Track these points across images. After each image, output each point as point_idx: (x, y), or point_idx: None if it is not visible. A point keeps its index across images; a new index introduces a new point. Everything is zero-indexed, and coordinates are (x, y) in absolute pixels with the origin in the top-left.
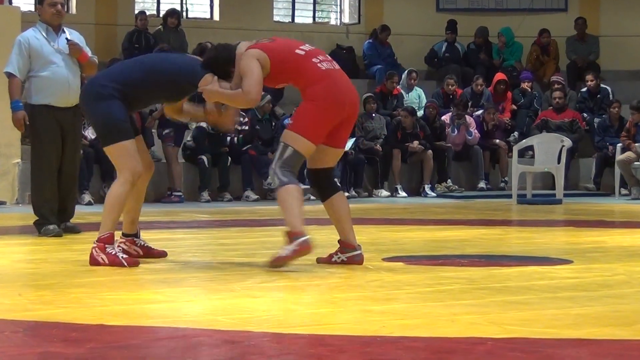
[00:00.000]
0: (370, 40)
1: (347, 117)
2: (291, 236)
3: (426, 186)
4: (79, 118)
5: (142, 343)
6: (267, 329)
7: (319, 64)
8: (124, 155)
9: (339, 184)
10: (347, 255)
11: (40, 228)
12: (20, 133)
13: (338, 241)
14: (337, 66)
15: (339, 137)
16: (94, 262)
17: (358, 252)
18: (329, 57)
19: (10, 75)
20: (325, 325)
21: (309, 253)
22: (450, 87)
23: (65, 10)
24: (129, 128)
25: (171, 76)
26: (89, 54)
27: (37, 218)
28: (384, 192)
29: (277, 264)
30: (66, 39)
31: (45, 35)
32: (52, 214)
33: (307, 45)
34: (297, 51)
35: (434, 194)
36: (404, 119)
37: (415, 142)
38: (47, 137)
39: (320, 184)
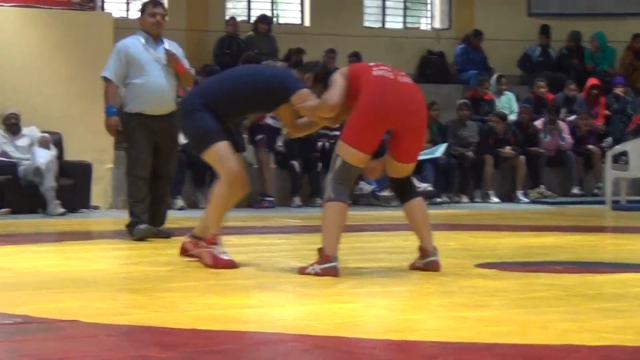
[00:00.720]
0: (463, 45)
1: (406, 129)
2: (322, 257)
3: (518, 192)
4: (174, 125)
5: (234, 348)
6: (359, 334)
7: (374, 71)
8: (218, 157)
9: (417, 190)
10: (424, 261)
11: (132, 229)
12: (114, 139)
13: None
14: (401, 78)
15: (401, 150)
16: (204, 262)
17: (431, 258)
18: (401, 72)
19: (106, 80)
20: (417, 331)
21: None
22: (540, 89)
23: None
24: (218, 132)
25: (261, 88)
26: (186, 65)
27: (129, 221)
28: (465, 199)
29: (300, 273)
30: (164, 48)
31: (144, 43)
32: (145, 214)
33: (387, 66)
34: (370, 64)
35: (526, 200)
36: (495, 125)
37: (507, 148)
38: (140, 142)
39: (398, 191)
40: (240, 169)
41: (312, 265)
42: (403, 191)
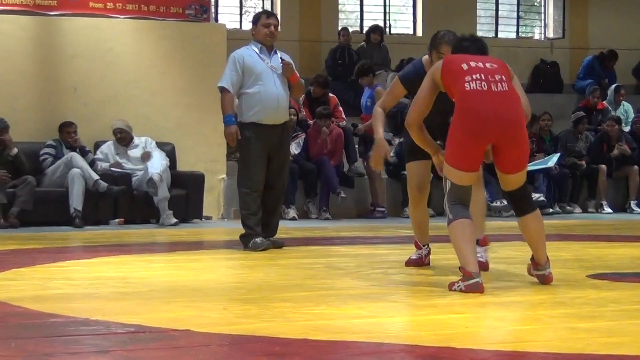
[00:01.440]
0: (592, 59)
1: (504, 140)
2: (464, 274)
3: (632, 202)
4: (287, 135)
5: (344, 358)
6: (470, 345)
7: (466, 84)
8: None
9: (533, 203)
10: (536, 273)
11: (247, 241)
12: (226, 149)
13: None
14: (495, 86)
15: (504, 161)
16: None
17: (542, 272)
18: (496, 77)
19: (223, 90)
20: (529, 342)
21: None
22: None
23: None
24: (414, 151)
25: None
26: (298, 76)
27: (243, 232)
28: (577, 209)
29: (449, 289)
30: (280, 58)
31: (258, 53)
32: (258, 226)
33: (486, 64)
34: (463, 65)
35: (639, 211)
36: (610, 128)
37: (620, 145)
38: (254, 153)
39: (513, 204)
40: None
41: (457, 282)
42: (518, 204)
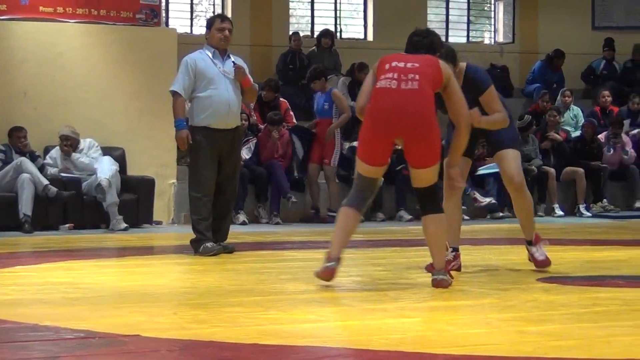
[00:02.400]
0: (542, 63)
1: (408, 135)
2: (325, 257)
3: (581, 206)
4: (239, 140)
5: None
6: (421, 349)
7: (379, 82)
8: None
9: (438, 207)
10: (432, 277)
11: (197, 246)
12: (176, 154)
13: None
14: (405, 85)
15: (408, 154)
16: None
17: (434, 277)
18: (409, 75)
19: (175, 94)
20: (479, 345)
21: (327, 280)
22: (603, 98)
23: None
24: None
25: None
26: (251, 81)
27: (193, 236)
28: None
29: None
30: (233, 62)
31: (211, 57)
32: (209, 231)
33: (408, 63)
34: (386, 65)
35: (589, 214)
36: (552, 119)
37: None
38: (205, 158)
39: (418, 201)
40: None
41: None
42: (422, 203)
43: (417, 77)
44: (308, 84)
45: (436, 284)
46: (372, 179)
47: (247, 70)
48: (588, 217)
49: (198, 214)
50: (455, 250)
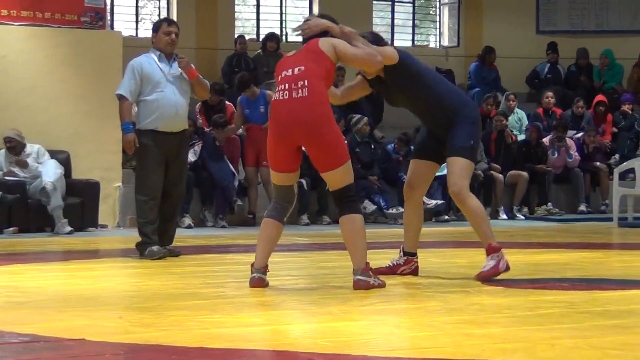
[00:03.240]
0: (476, 63)
1: (304, 142)
2: (251, 268)
3: (514, 208)
4: (185, 143)
5: None
6: (366, 352)
7: (275, 94)
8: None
9: (352, 208)
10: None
11: (143, 249)
12: (122, 157)
13: None
14: (297, 93)
15: (312, 160)
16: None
17: (354, 278)
18: (299, 83)
19: (121, 98)
20: (425, 348)
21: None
22: (546, 99)
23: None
24: (417, 149)
25: None
26: (197, 73)
27: (139, 240)
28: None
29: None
30: (176, 54)
31: (157, 61)
32: (155, 234)
33: (295, 68)
34: (279, 77)
35: (522, 217)
36: (499, 123)
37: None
38: (152, 161)
39: (335, 204)
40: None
41: None
42: (337, 205)
43: (305, 82)
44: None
45: (355, 285)
46: (286, 187)
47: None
48: (521, 220)
49: (144, 217)
50: (410, 255)
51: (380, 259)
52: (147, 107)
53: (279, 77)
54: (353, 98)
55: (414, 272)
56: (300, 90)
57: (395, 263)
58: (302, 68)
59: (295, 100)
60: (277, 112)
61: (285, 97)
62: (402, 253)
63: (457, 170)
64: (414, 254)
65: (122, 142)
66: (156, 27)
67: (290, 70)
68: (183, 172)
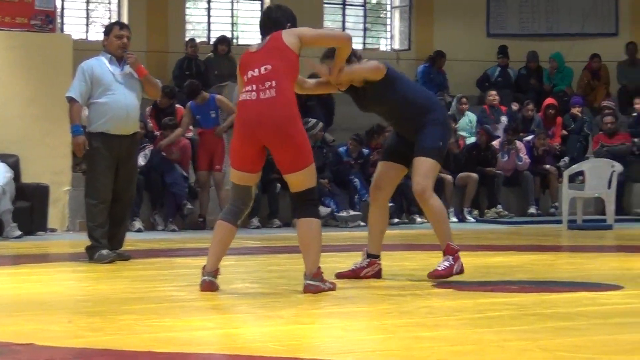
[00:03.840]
0: (425, 66)
1: (268, 143)
2: (202, 271)
3: (465, 210)
4: (136, 146)
5: None
6: (317, 355)
7: (242, 94)
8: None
9: (309, 212)
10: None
11: (92, 253)
12: (71, 160)
13: None
14: (264, 94)
15: (275, 161)
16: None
17: (305, 282)
18: (266, 84)
19: (71, 100)
20: (375, 351)
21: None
22: (490, 97)
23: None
24: (386, 152)
25: None
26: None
27: (89, 243)
28: (424, 219)
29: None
30: (127, 56)
31: (108, 64)
32: (104, 238)
33: (262, 67)
34: (245, 76)
35: (472, 220)
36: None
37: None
38: (102, 164)
39: (293, 205)
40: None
41: None
42: (295, 207)
43: (273, 83)
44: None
45: (305, 289)
46: (245, 187)
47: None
48: (472, 222)
49: (94, 220)
50: (373, 257)
51: (331, 262)
52: (97, 109)
53: (245, 76)
54: (319, 92)
55: (377, 274)
56: (267, 91)
57: (358, 266)
58: (269, 67)
59: (263, 100)
60: (244, 112)
61: (253, 98)
62: (365, 255)
63: (423, 171)
64: (377, 256)
65: (71, 145)
66: (108, 30)
67: (257, 70)
68: (133, 175)
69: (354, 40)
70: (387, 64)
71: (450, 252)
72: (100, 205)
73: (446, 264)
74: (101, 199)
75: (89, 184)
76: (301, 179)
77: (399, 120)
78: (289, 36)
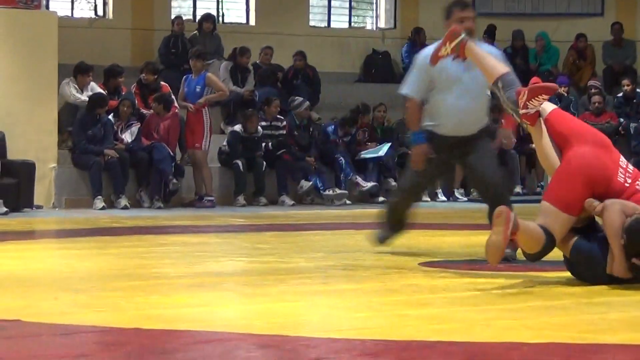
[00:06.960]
0: (409, 44)
1: None
2: None
3: (456, 191)
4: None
5: (177, 347)
6: (303, 333)
7: None
8: None
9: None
10: None
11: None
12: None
13: None
14: None
15: None
16: None
17: None
18: None
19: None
20: (362, 329)
21: None
22: None
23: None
24: None
25: None
26: None
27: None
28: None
29: None
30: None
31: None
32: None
33: None
34: None
35: (464, 199)
36: None
37: None
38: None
39: None
40: None
41: None
42: None
43: None
44: (189, 61)
45: None
46: None
47: None
48: (464, 201)
49: None
50: None
51: (316, 240)
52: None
53: None
54: None
55: None
56: None
57: None
58: None
59: None
60: None
61: None
62: None
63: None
64: None
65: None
66: (448, 12)
67: None
68: None
69: (340, 19)
70: None
71: None
72: None
73: None
74: None
75: None
76: None
77: None
78: None
